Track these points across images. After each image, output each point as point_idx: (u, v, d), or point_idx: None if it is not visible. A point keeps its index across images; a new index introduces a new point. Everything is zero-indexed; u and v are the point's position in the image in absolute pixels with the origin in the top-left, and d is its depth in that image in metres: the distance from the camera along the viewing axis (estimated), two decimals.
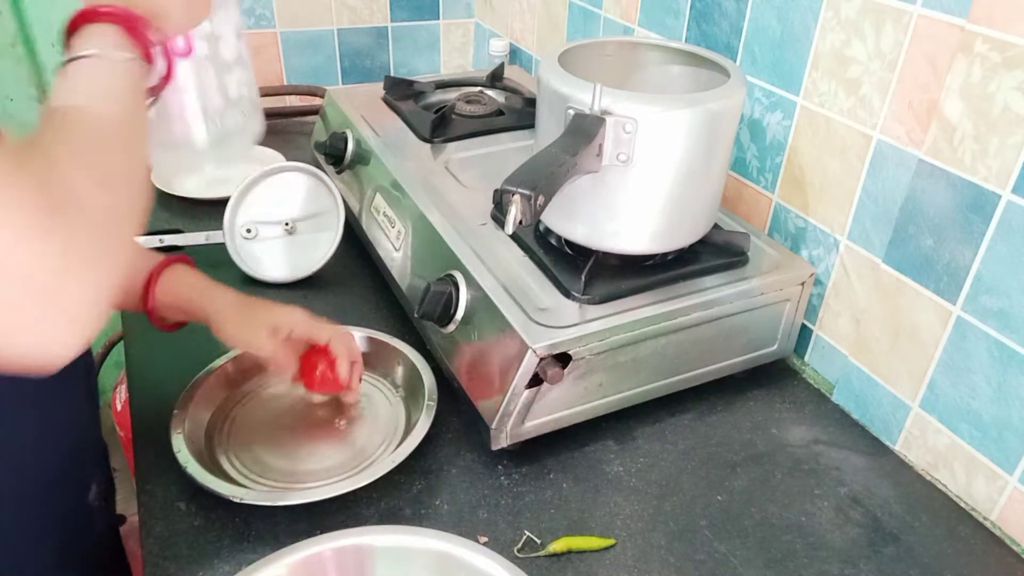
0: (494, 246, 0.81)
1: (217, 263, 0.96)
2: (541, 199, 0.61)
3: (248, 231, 1.00)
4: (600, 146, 0.68)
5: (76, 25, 0.52)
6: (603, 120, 0.67)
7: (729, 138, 0.76)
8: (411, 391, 0.80)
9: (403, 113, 1.13)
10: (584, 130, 0.66)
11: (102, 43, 0.51)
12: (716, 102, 0.71)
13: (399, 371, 0.83)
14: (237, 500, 0.65)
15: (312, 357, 0.75)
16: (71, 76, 0.49)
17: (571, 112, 0.69)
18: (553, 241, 0.82)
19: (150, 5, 0.55)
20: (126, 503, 0.81)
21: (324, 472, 0.71)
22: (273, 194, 1.01)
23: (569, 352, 0.70)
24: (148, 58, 0.54)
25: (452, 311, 0.77)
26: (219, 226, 0.99)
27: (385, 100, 1.19)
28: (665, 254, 0.79)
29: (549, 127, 0.74)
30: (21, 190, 0.37)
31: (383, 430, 0.77)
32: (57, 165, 0.40)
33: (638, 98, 0.69)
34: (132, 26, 0.53)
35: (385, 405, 0.80)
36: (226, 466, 0.72)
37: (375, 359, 0.84)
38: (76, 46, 0.51)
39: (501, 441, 0.72)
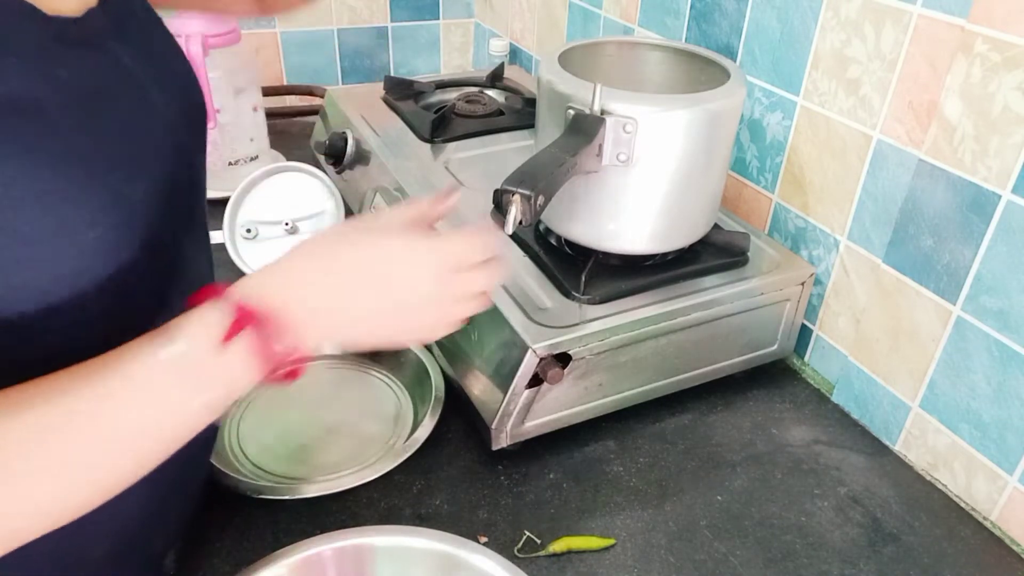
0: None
1: (216, 263, 0.96)
2: (541, 199, 0.61)
3: (248, 231, 1.00)
4: (600, 146, 0.68)
5: (195, 300, 0.42)
6: (603, 120, 0.67)
7: (729, 138, 0.76)
8: (418, 387, 0.81)
9: (403, 113, 1.13)
10: (584, 130, 0.66)
11: (202, 342, 0.40)
12: (716, 102, 0.71)
13: (406, 367, 0.83)
14: (234, 486, 0.65)
15: None
16: (125, 367, 0.39)
17: (571, 112, 0.69)
18: (553, 241, 0.82)
19: (297, 305, 0.42)
20: None
21: (325, 468, 0.72)
22: (273, 194, 1.01)
23: (569, 352, 0.70)
24: (266, 369, 0.42)
25: None
26: (219, 226, 0.99)
27: (385, 100, 1.19)
28: (665, 254, 0.79)
29: (549, 127, 0.74)
30: None
31: (389, 426, 0.77)
32: None
33: (638, 98, 0.69)
34: (258, 329, 0.41)
35: (392, 401, 0.81)
36: (227, 464, 0.71)
37: (383, 356, 0.85)
38: (173, 327, 0.40)
39: (501, 441, 0.72)
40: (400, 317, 0.48)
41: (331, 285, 0.45)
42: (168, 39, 0.49)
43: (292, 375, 0.44)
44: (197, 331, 0.40)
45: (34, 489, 0.37)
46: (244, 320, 0.40)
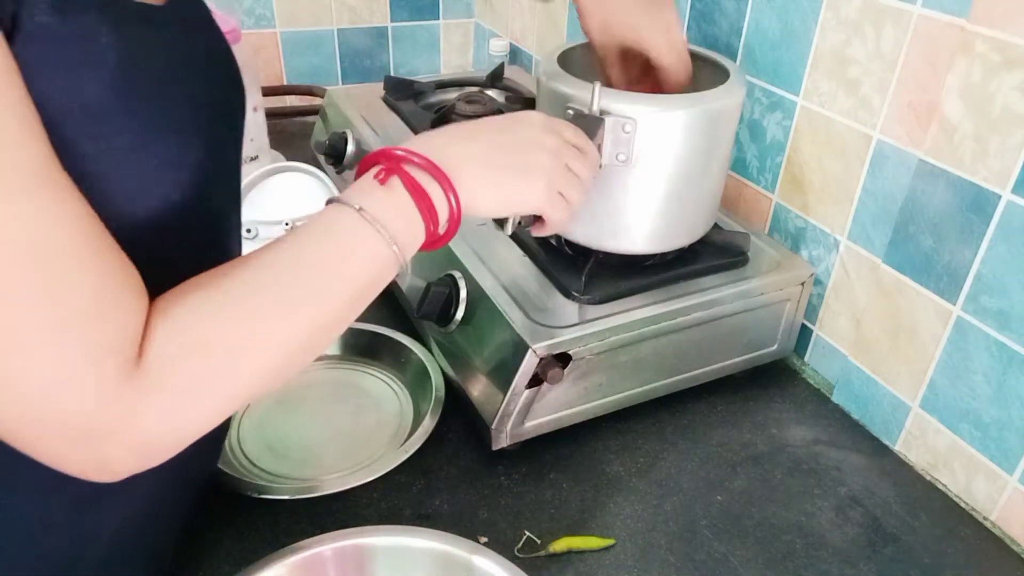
0: (494, 246, 0.82)
1: None
2: None
3: (248, 231, 1.00)
4: (599, 146, 0.68)
5: (365, 164, 0.50)
6: (602, 120, 0.67)
7: (729, 138, 0.75)
8: (418, 387, 0.81)
9: (403, 113, 1.13)
10: (583, 130, 0.66)
11: (376, 202, 0.47)
12: (715, 102, 0.71)
13: (406, 367, 0.83)
14: (234, 486, 0.65)
15: None
16: (319, 225, 0.46)
17: (570, 112, 0.69)
18: (553, 241, 0.82)
19: (457, 167, 0.50)
20: None
21: (325, 468, 0.72)
22: (273, 194, 1.01)
23: (569, 352, 0.70)
24: (429, 223, 0.49)
25: (452, 311, 0.77)
26: None
27: (385, 100, 1.19)
28: (665, 254, 0.79)
29: None
30: (110, 345, 0.37)
31: (389, 426, 0.77)
32: (187, 337, 0.40)
33: (637, 98, 0.69)
34: (407, 169, 0.48)
35: (392, 401, 0.81)
36: (227, 464, 0.72)
37: (383, 356, 0.85)
38: (349, 191, 0.48)
39: (501, 441, 0.72)
40: (521, 161, 0.55)
41: (458, 135, 0.54)
42: (221, 36, 0.56)
43: (448, 231, 0.51)
44: (366, 186, 0.48)
45: (273, 325, 0.43)
46: (395, 162, 0.49)
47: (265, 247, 0.46)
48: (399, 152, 0.49)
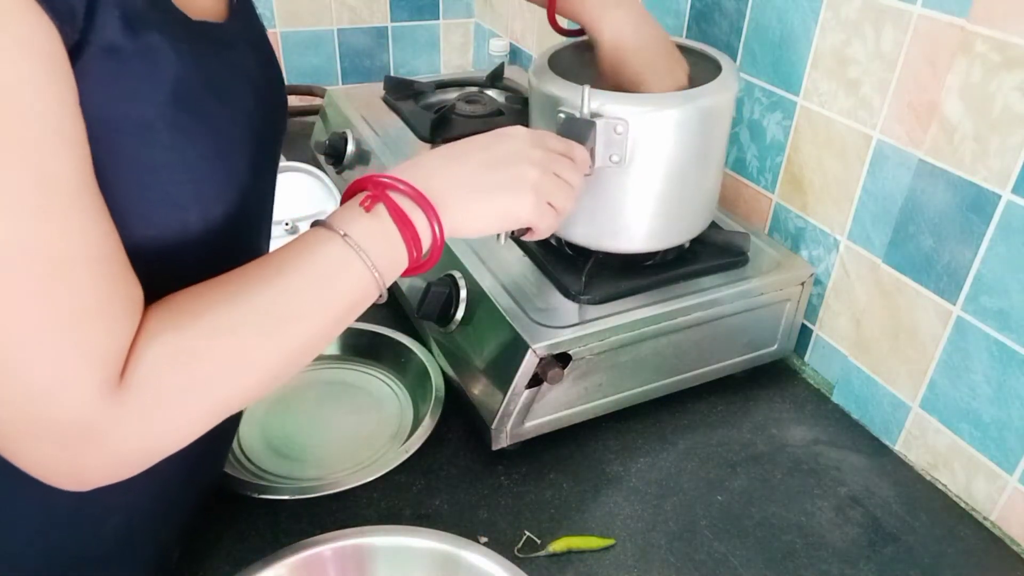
0: (494, 246, 0.82)
1: None
2: None
3: None
4: (592, 149, 0.68)
5: (352, 189, 0.50)
6: (593, 124, 0.66)
7: (723, 133, 0.75)
8: (418, 387, 0.81)
9: (403, 113, 1.13)
10: (575, 133, 0.66)
11: (361, 228, 0.47)
12: (707, 98, 0.70)
13: (406, 367, 0.83)
14: (234, 486, 0.65)
15: None
16: (304, 249, 0.46)
17: (561, 116, 0.69)
18: (553, 241, 0.82)
19: (443, 193, 0.51)
20: None
21: (325, 468, 0.72)
22: None
23: (569, 352, 0.70)
24: (412, 251, 0.49)
25: (452, 311, 0.77)
26: None
27: (385, 100, 1.19)
28: (665, 254, 0.79)
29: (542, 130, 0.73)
30: (102, 357, 0.38)
31: (389, 426, 0.77)
32: (175, 347, 0.41)
33: (627, 99, 0.69)
34: (390, 195, 0.49)
35: (393, 401, 0.81)
36: (228, 464, 0.72)
37: (383, 356, 0.85)
38: (335, 216, 0.48)
39: (501, 441, 0.72)
40: (508, 176, 0.55)
41: (445, 158, 0.54)
42: (271, 51, 0.57)
43: (431, 258, 0.52)
44: (352, 212, 0.48)
45: (255, 344, 0.43)
46: (380, 188, 0.49)
47: (251, 265, 0.46)
48: (385, 179, 0.49)
